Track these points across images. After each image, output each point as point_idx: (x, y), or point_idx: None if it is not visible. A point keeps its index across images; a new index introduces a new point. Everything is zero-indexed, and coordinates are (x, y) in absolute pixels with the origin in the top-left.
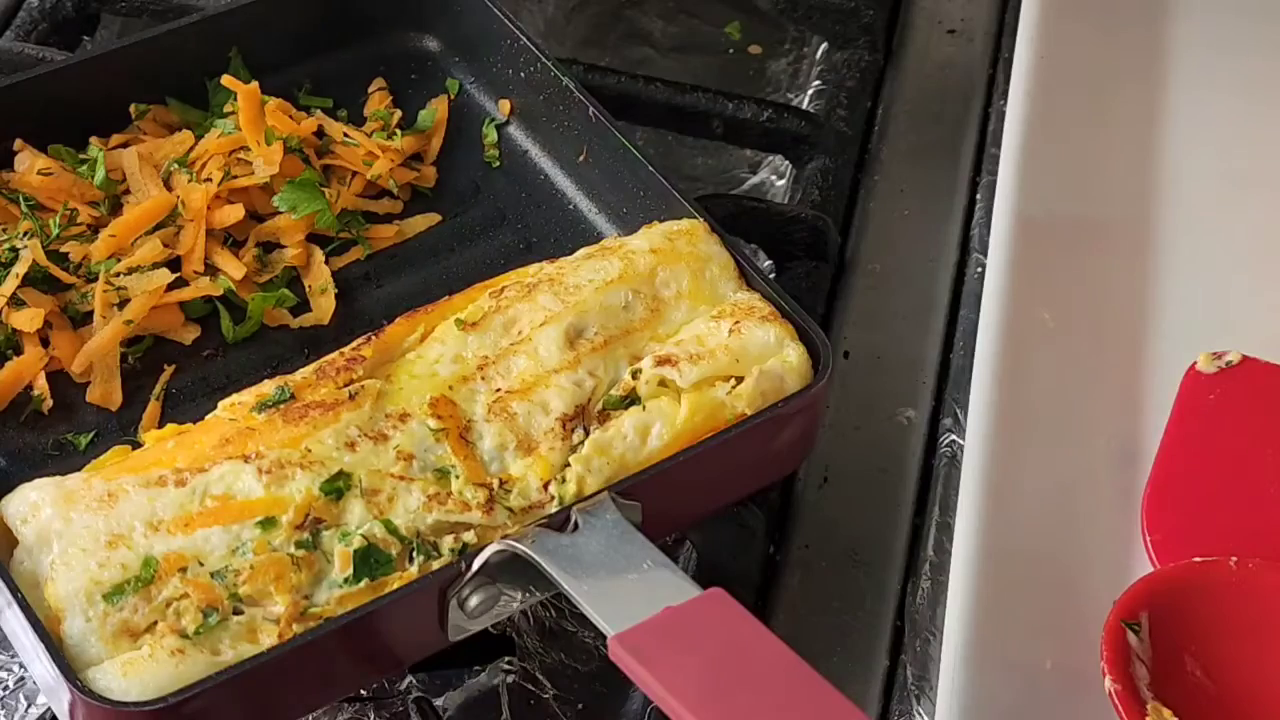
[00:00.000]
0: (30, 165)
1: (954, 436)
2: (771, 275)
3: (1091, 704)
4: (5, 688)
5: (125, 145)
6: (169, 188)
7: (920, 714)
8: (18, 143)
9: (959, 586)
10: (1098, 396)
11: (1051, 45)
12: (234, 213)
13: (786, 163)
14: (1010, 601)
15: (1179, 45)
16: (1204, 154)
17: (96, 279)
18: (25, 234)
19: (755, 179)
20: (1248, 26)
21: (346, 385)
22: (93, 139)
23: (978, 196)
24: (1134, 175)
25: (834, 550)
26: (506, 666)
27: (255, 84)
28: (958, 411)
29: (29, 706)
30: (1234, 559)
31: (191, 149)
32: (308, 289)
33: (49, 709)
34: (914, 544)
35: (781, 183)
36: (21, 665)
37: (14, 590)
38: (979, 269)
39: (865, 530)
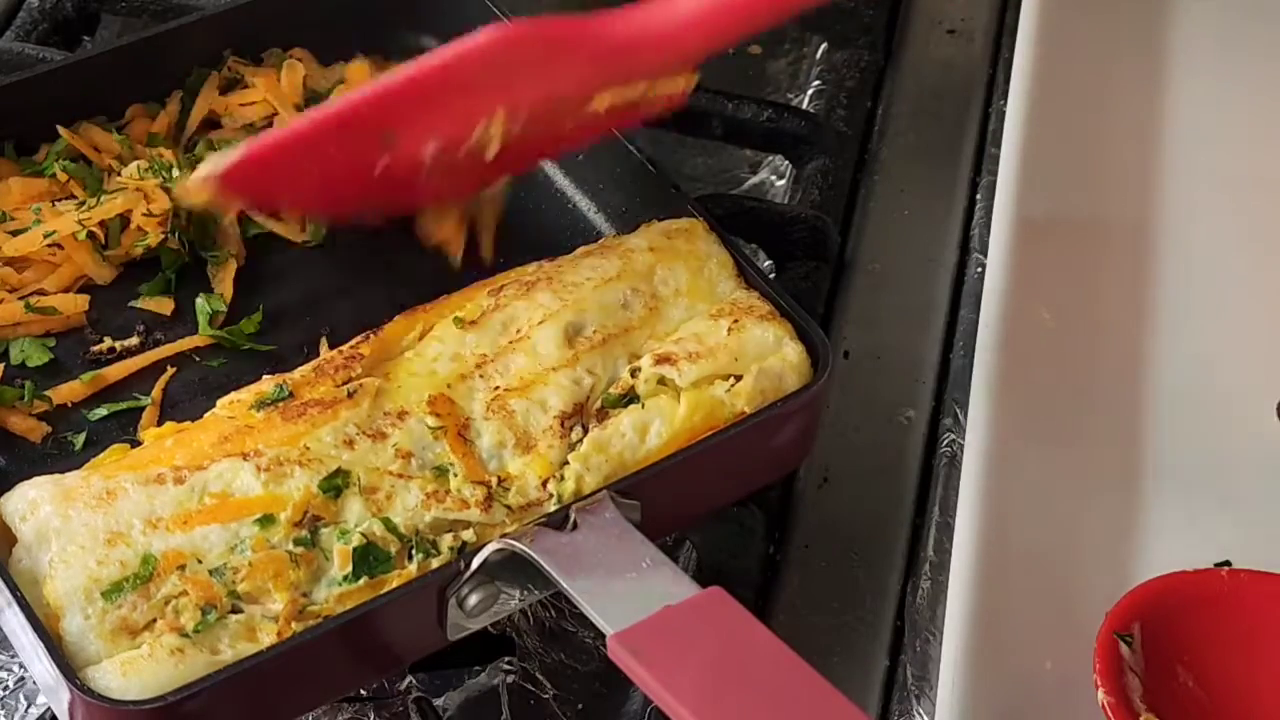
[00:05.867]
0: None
1: (954, 436)
2: (771, 275)
3: (1092, 704)
4: (5, 688)
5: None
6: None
7: (920, 714)
8: None
9: (959, 587)
10: (1098, 396)
11: (1051, 45)
12: None
13: (786, 163)
14: (1010, 602)
15: (1179, 45)
16: (1204, 153)
17: None
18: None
19: (755, 179)
20: (1248, 26)
21: (345, 383)
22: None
23: (978, 196)
24: (1134, 175)
25: (834, 550)
26: (506, 666)
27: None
28: (958, 411)
29: (29, 706)
30: (1225, 568)
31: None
32: None
33: (49, 709)
34: (914, 544)
35: (781, 183)
36: (21, 665)
37: (13, 589)
38: (979, 269)
39: (865, 530)
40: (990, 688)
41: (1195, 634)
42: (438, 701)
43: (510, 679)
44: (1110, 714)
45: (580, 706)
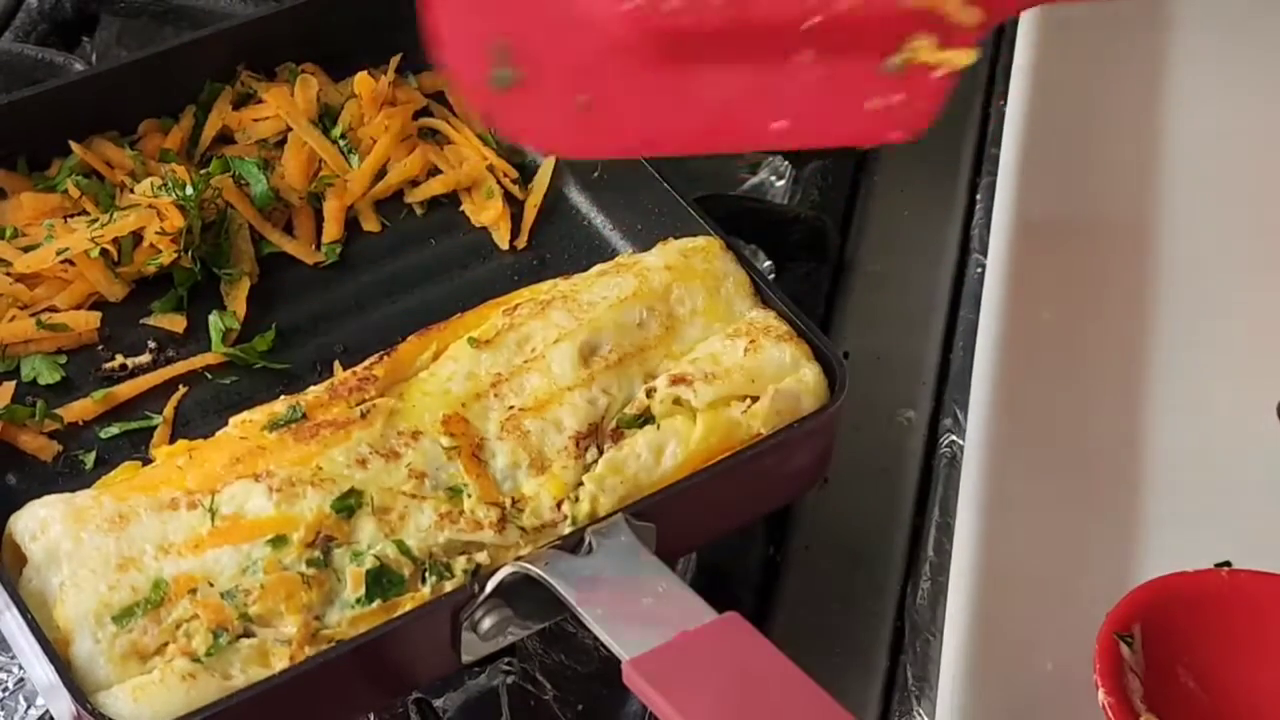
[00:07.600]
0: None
1: (954, 436)
2: (771, 276)
3: (1092, 704)
4: (5, 688)
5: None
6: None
7: (920, 714)
8: None
9: (959, 587)
10: (1098, 396)
11: (1051, 45)
12: None
13: (786, 163)
14: (1010, 602)
15: (1178, 46)
16: (1204, 153)
17: None
18: None
19: (755, 179)
20: (1248, 26)
21: (359, 404)
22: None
23: (978, 196)
24: (1134, 175)
25: (834, 550)
26: (506, 667)
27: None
28: (958, 411)
29: (29, 707)
30: (1225, 568)
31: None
32: None
33: (49, 710)
34: (914, 544)
35: (781, 183)
36: (21, 665)
37: (23, 611)
38: (979, 269)
39: (865, 530)
40: (990, 688)
41: (1195, 634)
42: (438, 702)
43: (510, 679)
44: (1110, 714)
45: (580, 707)
